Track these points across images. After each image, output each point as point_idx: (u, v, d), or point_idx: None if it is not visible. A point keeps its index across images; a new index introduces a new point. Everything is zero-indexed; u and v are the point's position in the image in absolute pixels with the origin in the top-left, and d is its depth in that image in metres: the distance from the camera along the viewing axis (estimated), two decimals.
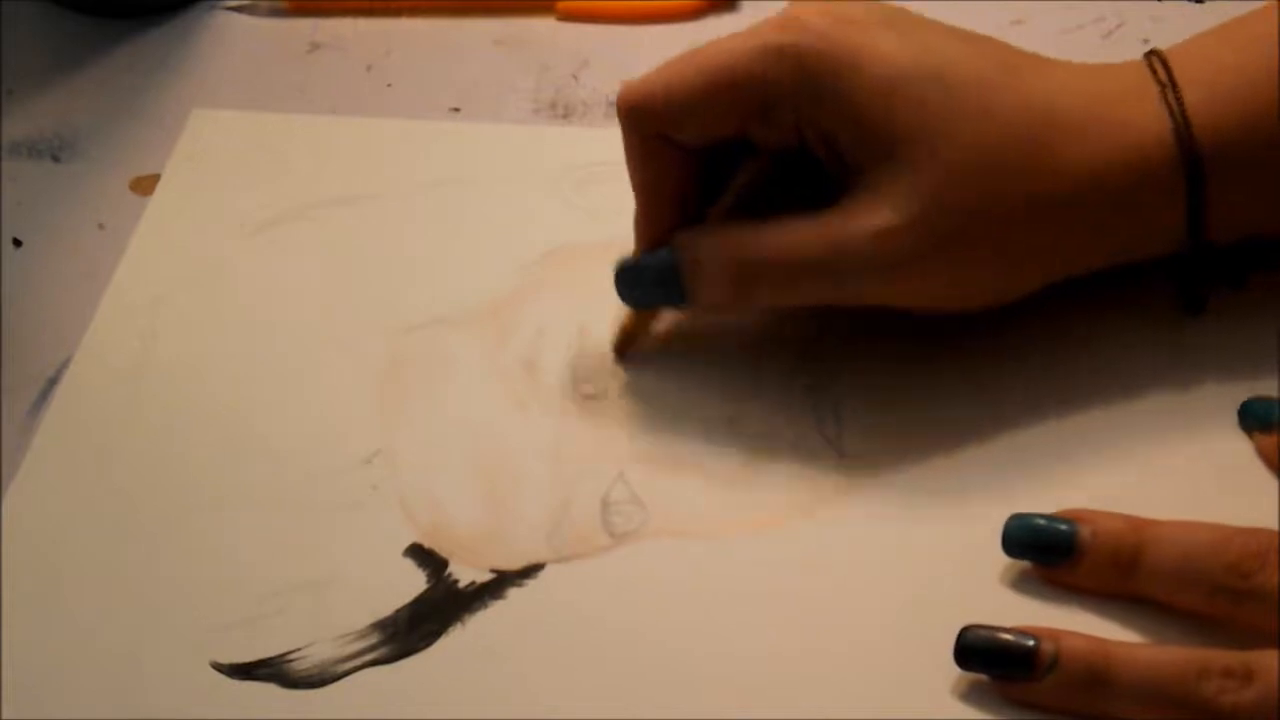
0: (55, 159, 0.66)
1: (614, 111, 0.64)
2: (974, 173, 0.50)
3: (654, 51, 0.66)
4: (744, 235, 0.52)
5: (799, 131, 0.52)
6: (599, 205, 0.61)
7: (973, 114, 0.50)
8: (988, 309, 0.53)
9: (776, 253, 0.52)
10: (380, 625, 0.51)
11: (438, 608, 0.51)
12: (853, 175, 0.51)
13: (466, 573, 0.52)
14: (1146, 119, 0.50)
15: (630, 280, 0.55)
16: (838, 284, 0.51)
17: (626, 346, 0.56)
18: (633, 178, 0.54)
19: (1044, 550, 0.49)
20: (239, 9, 0.69)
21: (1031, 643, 0.47)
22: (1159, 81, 0.50)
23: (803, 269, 0.51)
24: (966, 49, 0.51)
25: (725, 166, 0.54)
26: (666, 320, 0.57)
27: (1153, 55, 0.52)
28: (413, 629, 0.50)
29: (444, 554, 0.52)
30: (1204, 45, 0.52)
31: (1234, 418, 0.52)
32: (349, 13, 0.70)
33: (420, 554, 0.52)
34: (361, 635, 0.50)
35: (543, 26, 0.68)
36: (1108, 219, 0.51)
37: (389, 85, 0.67)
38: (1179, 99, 0.50)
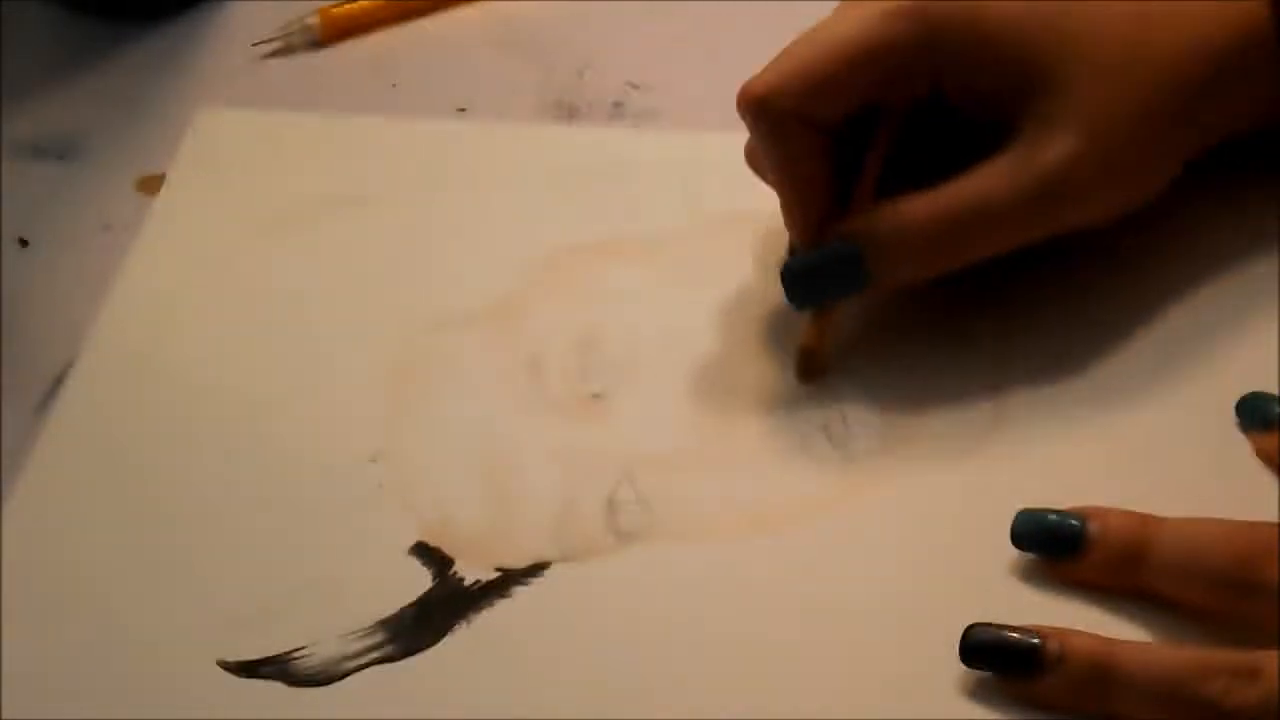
0: (60, 159, 0.66)
1: (618, 112, 0.64)
2: (1117, 77, 0.52)
3: (659, 52, 0.66)
4: (926, 200, 0.52)
5: (931, 90, 0.53)
6: (604, 205, 0.61)
7: (1096, 26, 0.52)
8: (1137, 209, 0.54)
9: (971, 209, 0.52)
10: (385, 623, 0.51)
11: (443, 606, 0.51)
12: (1007, 115, 0.52)
13: (472, 571, 0.52)
14: None
15: (808, 279, 0.54)
16: (1036, 223, 0.52)
17: (814, 367, 0.54)
18: (776, 172, 0.54)
19: (1053, 545, 0.49)
20: (274, 54, 0.69)
21: (1037, 641, 0.47)
22: None
23: (1001, 218, 0.52)
24: None
25: (846, 150, 0.54)
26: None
27: None
28: (418, 627, 0.50)
29: (449, 552, 0.52)
30: None
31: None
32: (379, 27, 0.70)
33: (425, 552, 0.52)
34: (367, 633, 0.50)
35: (548, 26, 0.68)
36: (1224, 91, 0.53)
37: (394, 85, 0.67)
38: None
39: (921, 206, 0.52)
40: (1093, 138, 0.52)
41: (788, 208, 0.54)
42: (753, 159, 0.55)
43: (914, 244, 0.52)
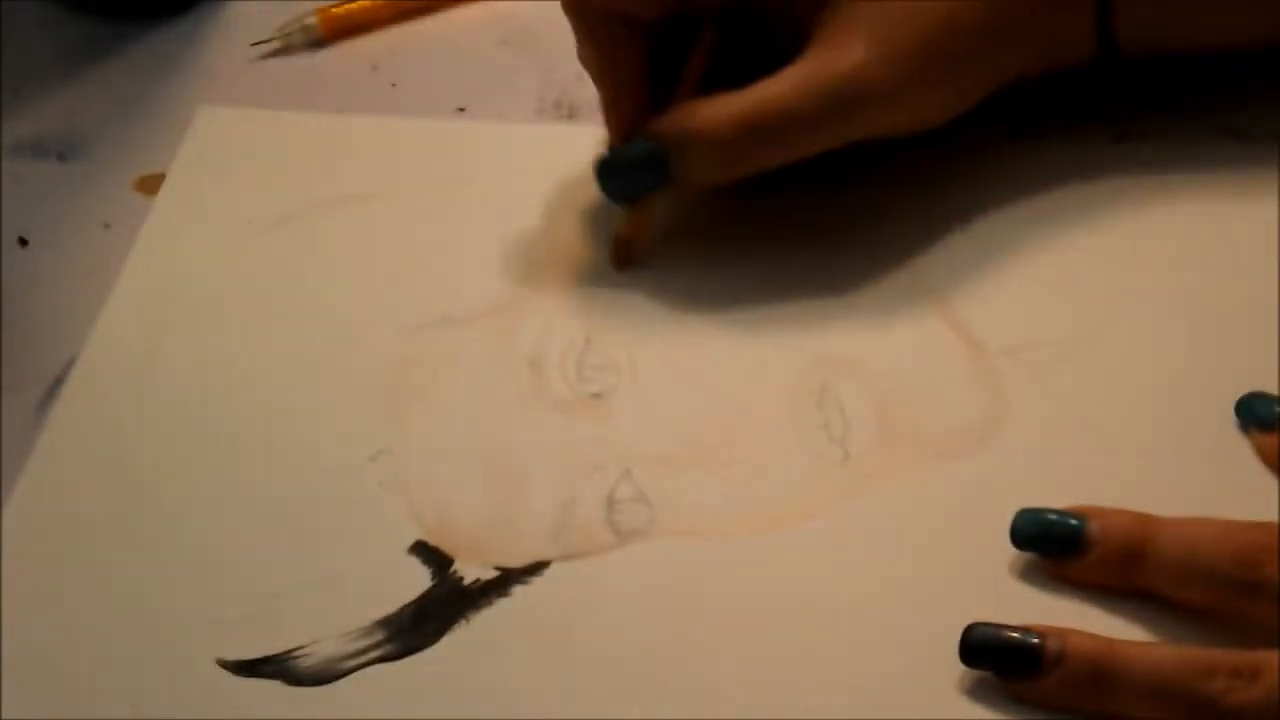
0: (60, 159, 0.66)
1: None
2: None
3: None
4: (725, 103, 0.55)
5: None
6: (603, 205, 0.61)
7: None
8: (937, 126, 0.56)
9: (767, 112, 0.54)
10: (385, 623, 0.51)
11: (442, 605, 0.51)
12: (808, 23, 0.55)
13: (471, 570, 0.52)
14: None
15: (613, 169, 0.57)
16: (831, 128, 0.55)
17: (626, 255, 0.58)
18: (594, 67, 0.57)
19: (1052, 544, 0.49)
20: (274, 54, 0.69)
21: (1037, 641, 0.47)
22: None
23: (794, 120, 0.54)
24: None
25: (669, 53, 0.57)
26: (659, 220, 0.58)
27: None
28: (417, 626, 0.50)
29: (449, 551, 0.52)
30: None
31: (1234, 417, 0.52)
32: (379, 27, 0.70)
33: (425, 551, 0.52)
34: (366, 632, 0.50)
35: (548, 26, 0.68)
36: (1028, 24, 0.55)
37: (394, 85, 0.67)
38: None
39: (721, 109, 0.55)
40: (881, 48, 0.54)
41: (605, 105, 0.57)
42: (582, 58, 0.58)
43: (713, 145, 0.55)
